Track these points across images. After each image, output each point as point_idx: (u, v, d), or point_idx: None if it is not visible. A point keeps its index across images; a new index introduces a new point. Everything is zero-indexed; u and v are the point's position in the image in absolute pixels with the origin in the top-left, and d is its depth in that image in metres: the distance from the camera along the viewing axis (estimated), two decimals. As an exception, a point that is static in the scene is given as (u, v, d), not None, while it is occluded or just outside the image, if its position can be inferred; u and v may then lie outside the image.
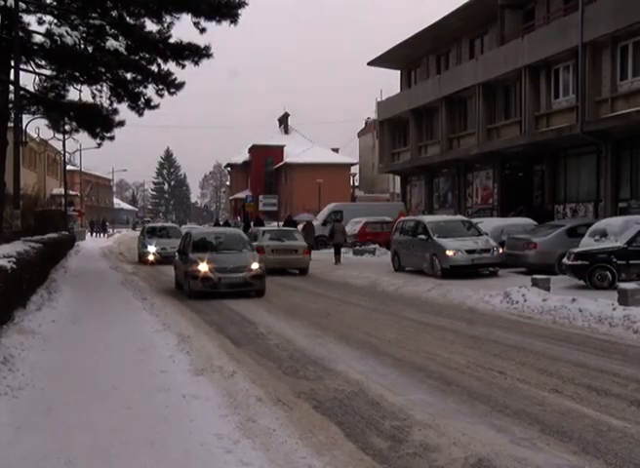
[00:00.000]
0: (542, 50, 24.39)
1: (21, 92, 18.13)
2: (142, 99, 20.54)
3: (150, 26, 19.00)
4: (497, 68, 27.29)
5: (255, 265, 15.30)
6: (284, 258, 21.03)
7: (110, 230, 68.22)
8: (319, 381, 7.29)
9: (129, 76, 20.15)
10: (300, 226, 29.15)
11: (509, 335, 10.08)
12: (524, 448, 5.21)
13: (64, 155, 44.82)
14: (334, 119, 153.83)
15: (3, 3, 16.50)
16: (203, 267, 14.98)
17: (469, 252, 17.91)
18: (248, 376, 7.46)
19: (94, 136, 21.75)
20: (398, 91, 38.67)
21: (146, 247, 26.51)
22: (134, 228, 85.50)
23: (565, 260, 15.46)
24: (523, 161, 28.54)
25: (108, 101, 20.50)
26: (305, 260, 21.26)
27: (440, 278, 17.53)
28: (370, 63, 38.72)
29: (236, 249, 16.15)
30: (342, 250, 25.63)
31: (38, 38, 18.62)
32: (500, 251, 18.41)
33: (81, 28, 18.71)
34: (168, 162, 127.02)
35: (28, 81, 20.31)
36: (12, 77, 17.36)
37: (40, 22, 18.80)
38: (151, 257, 25.84)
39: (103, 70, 19.77)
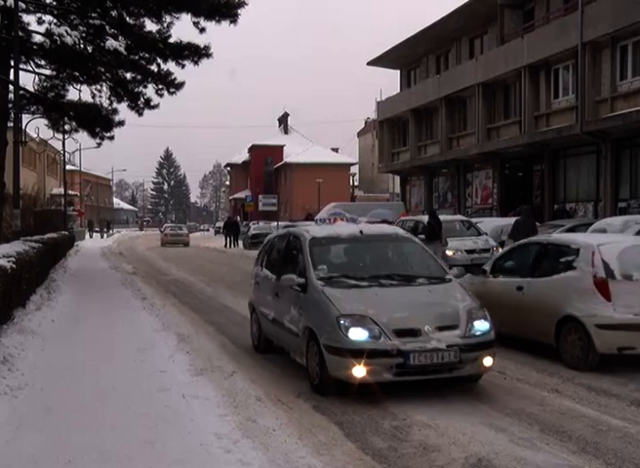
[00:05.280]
0: (542, 50, 24.38)
1: (21, 91, 18.12)
2: (142, 99, 20.53)
3: (150, 26, 19.00)
4: (496, 68, 27.28)
5: None
6: None
7: (110, 230, 68.09)
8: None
9: (128, 76, 20.13)
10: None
11: (509, 335, 10.05)
12: (523, 447, 5.21)
13: (64, 155, 44.79)
14: (334, 119, 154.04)
15: (3, 3, 16.48)
16: None
17: (469, 251, 17.89)
18: (247, 376, 7.46)
19: (93, 135, 21.74)
20: (398, 91, 38.67)
21: (347, 337, 6.42)
22: (141, 228, 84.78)
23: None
24: (523, 161, 28.54)
25: (108, 101, 20.51)
26: None
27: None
28: (369, 63, 38.72)
29: None
30: None
31: (38, 38, 18.60)
32: (500, 250, 18.39)
33: (81, 28, 18.71)
34: (167, 162, 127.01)
35: (28, 81, 20.35)
36: (12, 77, 17.34)
37: (40, 22, 18.80)
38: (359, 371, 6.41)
39: (103, 70, 19.75)
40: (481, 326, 6.76)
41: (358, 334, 6.38)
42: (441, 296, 7.10)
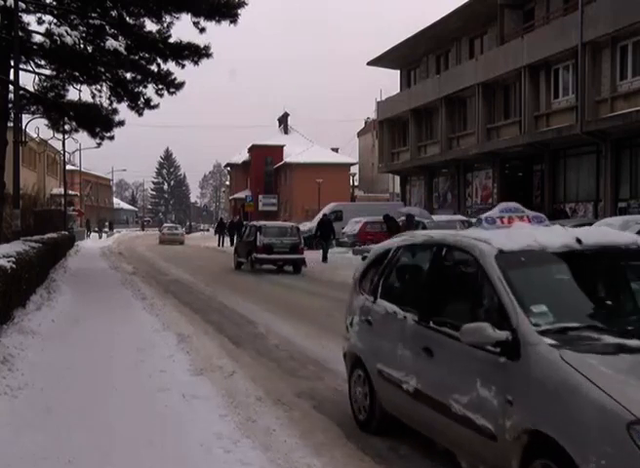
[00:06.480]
0: (542, 50, 24.39)
1: (21, 92, 18.11)
2: (142, 99, 20.53)
3: (150, 26, 19.00)
4: (496, 68, 27.29)
5: None
6: None
7: (111, 230, 67.98)
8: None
9: (128, 76, 20.13)
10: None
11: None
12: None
13: (64, 155, 44.79)
14: (334, 119, 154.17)
15: (3, 3, 16.47)
16: None
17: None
18: (248, 376, 7.46)
19: (93, 135, 21.74)
20: (398, 91, 38.68)
21: None
22: (142, 228, 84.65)
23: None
24: (523, 161, 28.55)
25: (108, 101, 20.51)
26: None
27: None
28: (369, 63, 38.75)
29: None
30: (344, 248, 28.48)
31: (38, 38, 18.60)
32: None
33: (81, 28, 18.71)
34: (167, 162, 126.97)
35: (28, 81, 20.34)
36: (12, 77, 17.34)
37: (40, 22, 18.79)
38: None
39: (103, 70, 19.74)
40: None
41: None
42: None
